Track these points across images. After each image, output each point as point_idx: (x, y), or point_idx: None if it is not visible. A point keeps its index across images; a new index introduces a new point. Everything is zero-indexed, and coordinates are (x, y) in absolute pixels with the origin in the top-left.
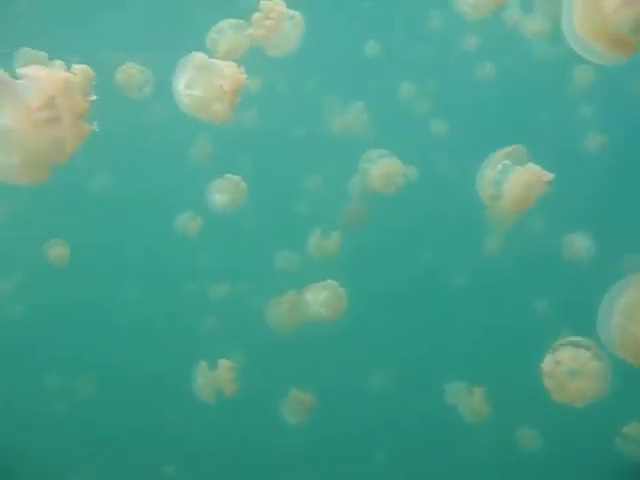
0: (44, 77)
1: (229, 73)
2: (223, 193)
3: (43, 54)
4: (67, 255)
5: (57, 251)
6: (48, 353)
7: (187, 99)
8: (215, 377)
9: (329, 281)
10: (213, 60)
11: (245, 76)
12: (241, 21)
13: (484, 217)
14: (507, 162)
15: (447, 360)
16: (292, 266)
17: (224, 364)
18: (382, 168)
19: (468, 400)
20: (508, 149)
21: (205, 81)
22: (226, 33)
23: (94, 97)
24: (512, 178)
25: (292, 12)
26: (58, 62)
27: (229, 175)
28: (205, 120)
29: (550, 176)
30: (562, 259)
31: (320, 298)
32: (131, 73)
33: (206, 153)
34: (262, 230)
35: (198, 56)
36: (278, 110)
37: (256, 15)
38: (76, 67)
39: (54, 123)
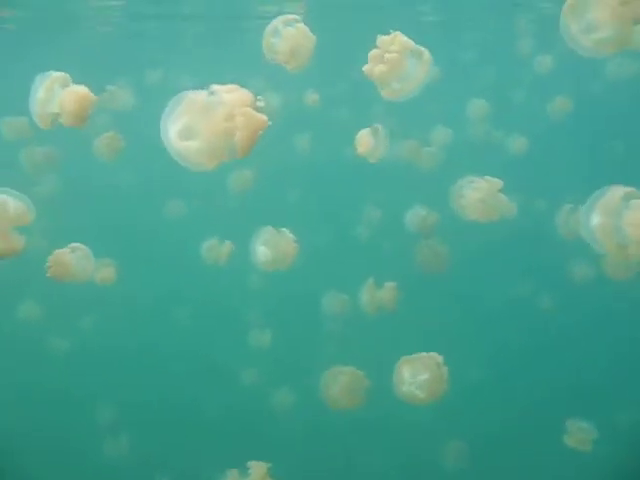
0: None
1: (241, 116)
2: (269, 248)
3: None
4: (113, 277)
5: (104, 273)
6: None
7: (182, 151)
8: None
9: (432, 354)
10: (221, 93)
11: (265, 117)
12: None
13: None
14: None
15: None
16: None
17: (258, 468)
18: (480, 192)
19: None
20: (619, 191)
21: (207, 127)
22: (283, 32)
23: None
24: (632, 217)
25: (418, 47)
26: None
27: (284, 230)
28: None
29: None
30: None
31: (420, 378)
32: None
33: (253, 183)
34: (310, 276)
35: (194, 95)
36: (334, 135)
37: (373, 52)
38: (76, 89)
39: None
